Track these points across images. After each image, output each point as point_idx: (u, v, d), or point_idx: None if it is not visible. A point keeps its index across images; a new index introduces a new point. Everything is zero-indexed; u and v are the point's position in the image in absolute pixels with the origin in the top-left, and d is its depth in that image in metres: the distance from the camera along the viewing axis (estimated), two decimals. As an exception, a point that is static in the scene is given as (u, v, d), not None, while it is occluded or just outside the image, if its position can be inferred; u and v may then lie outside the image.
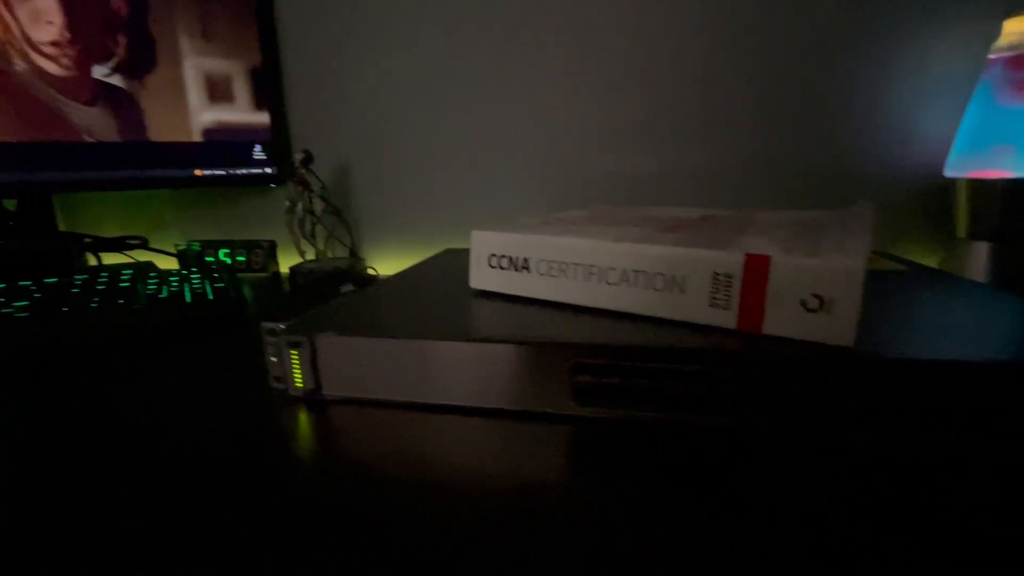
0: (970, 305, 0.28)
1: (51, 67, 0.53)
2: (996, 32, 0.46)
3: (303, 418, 0.26)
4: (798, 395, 0.22)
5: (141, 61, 0.56)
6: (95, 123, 0.56)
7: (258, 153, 0.64)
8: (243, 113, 0.62)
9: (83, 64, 0.54)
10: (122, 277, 0.49)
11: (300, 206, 0.62)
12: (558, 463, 0.21)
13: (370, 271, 0.64)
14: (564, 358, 0.24)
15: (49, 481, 0.21)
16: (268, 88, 0.63)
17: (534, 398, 0.25)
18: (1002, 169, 0.44)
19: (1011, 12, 0.43)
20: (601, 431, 0.24)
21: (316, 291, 0.55)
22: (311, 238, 0.64)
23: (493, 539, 0.17)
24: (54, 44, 0.53)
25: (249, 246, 0.67)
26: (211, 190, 0.72)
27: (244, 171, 0.63)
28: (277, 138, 0.65)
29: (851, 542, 0.16)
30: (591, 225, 0.34)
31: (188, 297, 0.44)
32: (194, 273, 0.52)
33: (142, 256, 0.71)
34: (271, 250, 0.67)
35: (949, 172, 0.48)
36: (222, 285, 0.48)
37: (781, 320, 0.23)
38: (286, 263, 0.71)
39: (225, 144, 0.62)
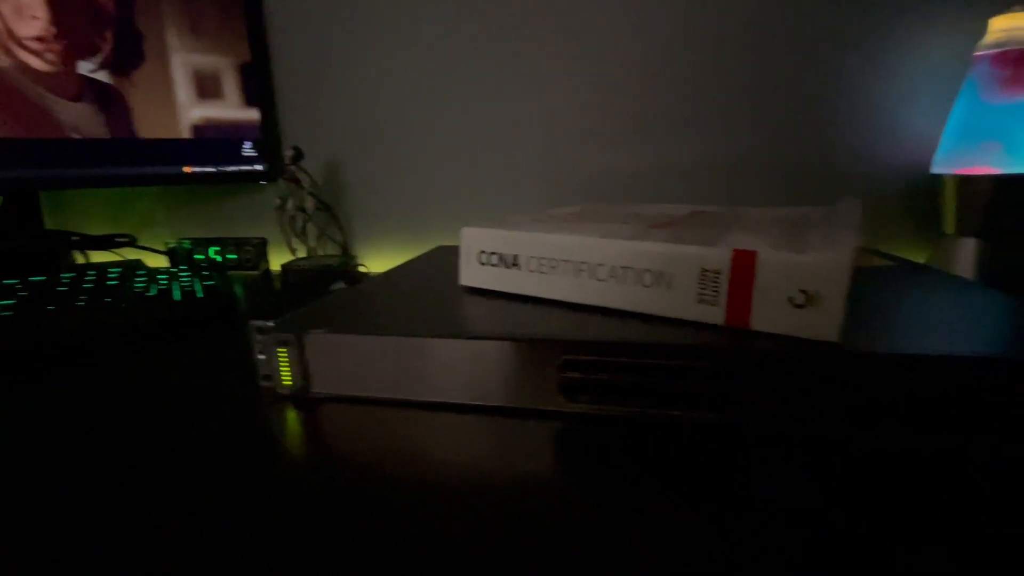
0: (957, 301, 0.28)
1: (36, 63, 0.52)
2: (983, 29, 0.47)
3: (290, 416, 0.25)
4: (784, 390, 0.22)
5: (128, 57, 0.56)
6: (81, 119, 0.55)
7: (248, 150, 0.63)
8: (232, 109, 0.62)
9: (69, 60, 0.53)
10: (109, 275, 0.48)
11: (291, 203, 0.62)
12: (547, 460, 0.21)
13: (362, 269, 0.64)
14: (552, 355, 0.24)
15: (32, 482, 0.21)
16: (258, 84, 0.63)
17: (523, 395, 0.25)
18: (989, 165, 0.44)
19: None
20: (590, 427, 0.24)
21: (307, 289, 0.55)
22: (302, 236, 0.64)
23: (483, 536, 0.17)
24: (39, 39, 0.52)
25: (240, 244, 0.66)
26: (201, 187, 0.71)
27: (234, 168, 0.63)
28: (267, 135, 0.64)
29: (838, 537, 0.17)
30: (581, 222, 0.34)
31: (177, 295, 0.44)
32: (183, 271, 0.52)
33: (131, 254, 0.71)
34: (262, 248, 0.67)
35: (937, 169, 0.48)
36: (212, 283, 0.48)
37: (768, 316, 0.23)
38: (277, 261, 0.71)
39: (214, 141, 0.61)
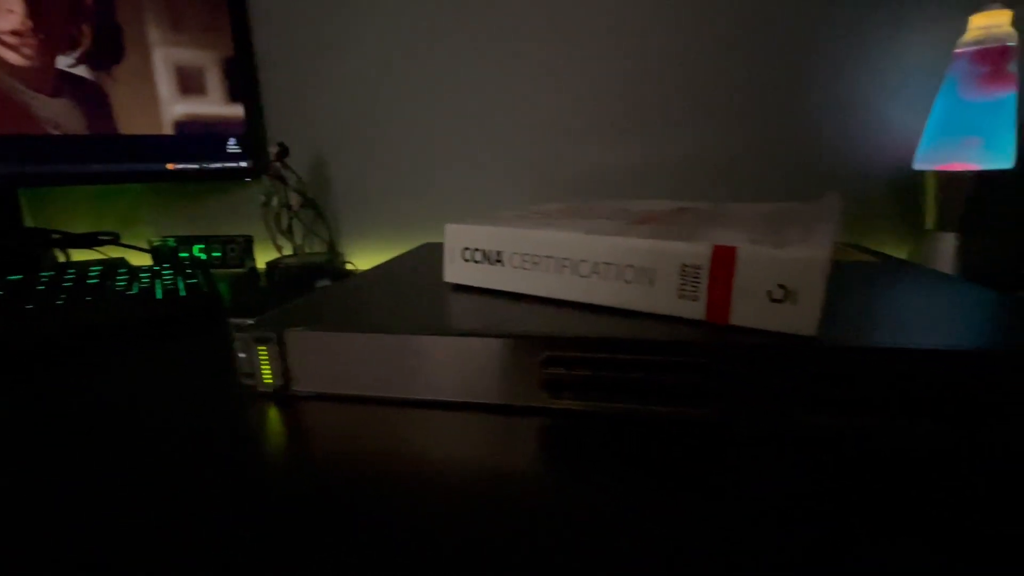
0: (936, 295, 0.29)
1: (13, 57, 0.51)
2: (963, 27, 0.47)
3: (271, 415, 0.25)
4: (763, 385, 0.22)
5: (108, 51, 0.55)
6: (61, 115, 0.54)
7: (232, 146, 0.62)
8: (216, 105, 0.61)
9: (46, 54, 0.52)
10: (90, 274, 0.47)
11: (276, 200, 0.61)
12: (531, 457, 0.21)
13: (348, 266, 0.64)
14: (535, 351, 0.24)
15: (8, 482, 0.21)
16: (242, 79, 0.62)
17: (507, 391, 0.25)
18: (969, 162, 0.45)
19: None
20: (573, 423, 0.24)
21: (294, 287, 0.54)
22: (288, 233, 0.63)
23: (466, 532, 0.17)
24: (15, 33, 0.51)
25: (225, 242, 0.66)
26: (186, 185, 0.70)
27: (218, 165, 0.62)
28: (252, 131, 0.63)
29: (820, 529, 0.17)
30: (565, 218, 0.34)
31: (159, 294, 0.44)
32: (166, 269, 0.51)
33: (115, 252, 0.70)
34: (248, 246, 0.66)
35: (918, 165, 0.49)
36: (195, 281, 0.47)
37: (747, 311, 0.23)
38: (264, 259, 0.70)
39: (198, 137, 0.61)
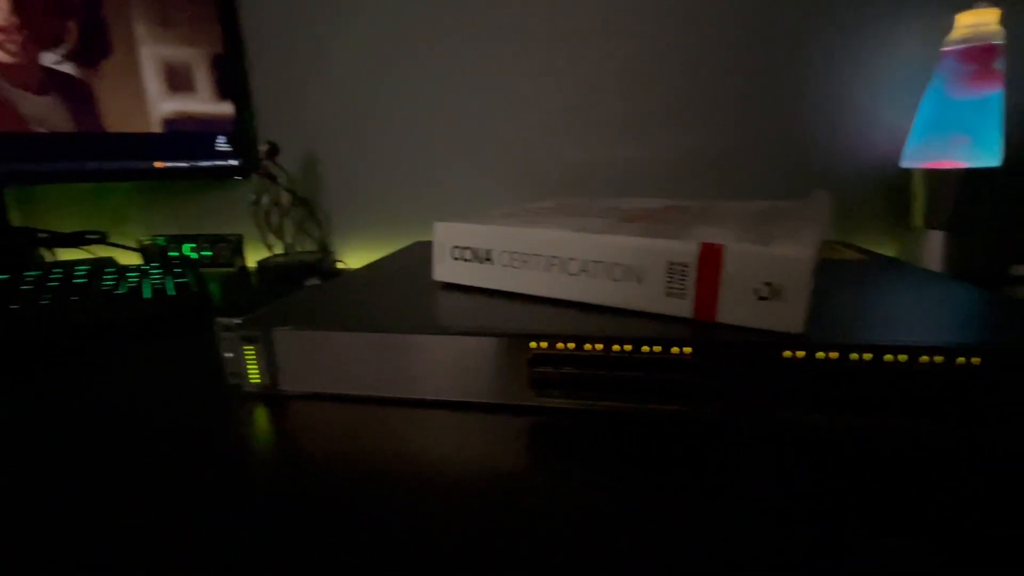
0: (924, 292, 0.29)
1: (-3, 54, 0.51)
2: (950, 25, 0.47)
3: (257, 414, 0.25)
4: (749, 382, 0.22)
5: (94, 48, 0.54)
6: (46, 113, 0.53)
7: (222, 144, 0.62)
8: (205, 103, 0.60)
9: (31, 51, 0.52)
10: (77, 273, 0.47)
11: (266, 199, 0.61)
12: (518, 455, 0.21)
13: (339, 265, 0.63)
14: (522, 349, 0.24)
15: (-14, 485, 0.20)
16: (231, 77, 0.61)
17: (496, 390, 0.25)
18: (956, 159, 0.45)
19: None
20: (562, 421, 0.24)
21: (284, 286, 0.54)
22: (279, 232, 0.63)
23: (455, 530, 0.17)
24: (-1, 30, 0.50)
25: (215, 241, 0.65)
26: (176, 183, 0.70)
27: (207, 163, 0.61)
28: (242, 129, 0.63)
29: (808, 525, 0.17)
30: (555, 216, 0.34)
31: (147, 293, 0.43)
32: (155, 268, 0.51)
33: (104, 252, 0.69)
34: (238, 244, 0.65)
35: (906, 163, 0.49)
36: (184, 280, 0.47)
37: (734, 308, 0.23)
38: (254, 258, 0.70)
39: (187, 135, 0.60)
